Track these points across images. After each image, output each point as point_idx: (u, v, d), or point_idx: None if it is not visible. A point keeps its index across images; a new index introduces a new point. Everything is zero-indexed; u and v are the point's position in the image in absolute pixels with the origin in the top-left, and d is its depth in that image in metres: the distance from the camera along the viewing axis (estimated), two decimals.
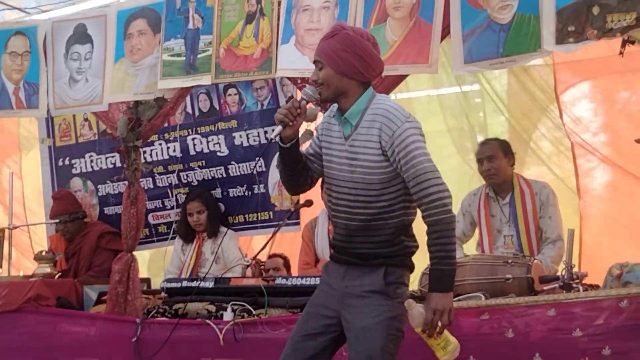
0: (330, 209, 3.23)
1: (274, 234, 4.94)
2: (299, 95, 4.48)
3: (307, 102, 3.10)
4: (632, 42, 4.01)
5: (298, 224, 5.67)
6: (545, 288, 3.82)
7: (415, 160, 2.95)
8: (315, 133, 3.31)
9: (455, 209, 5.11)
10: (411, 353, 3.34)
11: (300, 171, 3.20)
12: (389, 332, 3.03)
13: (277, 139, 3.10)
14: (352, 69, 3.03)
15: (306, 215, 5.63)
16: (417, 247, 3.15)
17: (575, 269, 3.83)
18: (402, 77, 4.28)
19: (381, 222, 3.07)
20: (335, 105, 3.15)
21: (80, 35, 5.03)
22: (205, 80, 4.63)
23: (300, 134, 3.22)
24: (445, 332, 2.96)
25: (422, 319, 2.93)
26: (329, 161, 3.17)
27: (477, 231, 5.02)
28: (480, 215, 4.93)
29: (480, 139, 5.53)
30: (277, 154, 3.19)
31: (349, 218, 3.11)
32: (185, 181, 6.03)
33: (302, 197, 5.54)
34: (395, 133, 2.97)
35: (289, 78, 4.73)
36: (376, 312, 3.01)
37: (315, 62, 3.10)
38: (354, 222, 3.10)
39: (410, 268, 3.16)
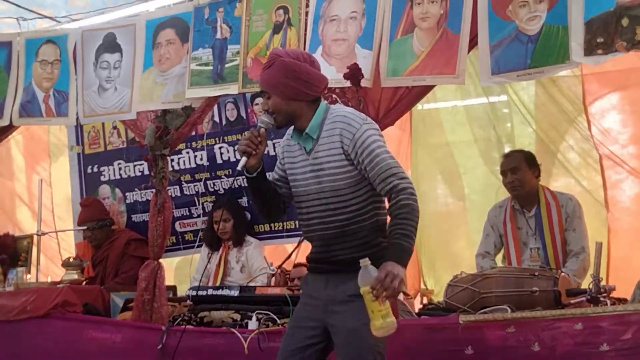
0: (304, 227, 3.29)
1: (300, 243, 4.93)
2: None
3: (265, 129, 3.19)
4: None
5: None
6: (572, 301, 3.78)
7: (378, 158, 3.06)
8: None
9: (482, 220, 5.15)
10: None
11: (271, 198, 3.31)
12: None
13: (244, 170, 3.19)
14: (296, 92, 3.14)
15: None
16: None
17: (602, 282, 3.79)
18: (429, 88, 4.28)
19: (355, 226, 3.14)
20: (292, 127, 3.26)
21: (110, 44, 5.08)
22: (233, 89, 4.65)
23: None
24: (389, 305, 2.90)
25: (372, 279, 2.88)
26: (295, 180, 3.26)
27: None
28: (506, 227, 4.90)
29: (507, 149, 5.50)
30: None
31: (324, 228, 3.18)
32: (212, 189, 6.05)
33: None
34: (355, 135, 3.09)
35: None
36: (363, 314, 3.01)
37: (262, 92, 3.24)
38: (329, 231, 3.17)
39: None
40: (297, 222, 5.76)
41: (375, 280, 2.87)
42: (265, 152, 5.66)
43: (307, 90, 3.15)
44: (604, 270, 4.88)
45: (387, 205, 3.16)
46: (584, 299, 3.72)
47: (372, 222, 3.16)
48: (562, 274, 3.95)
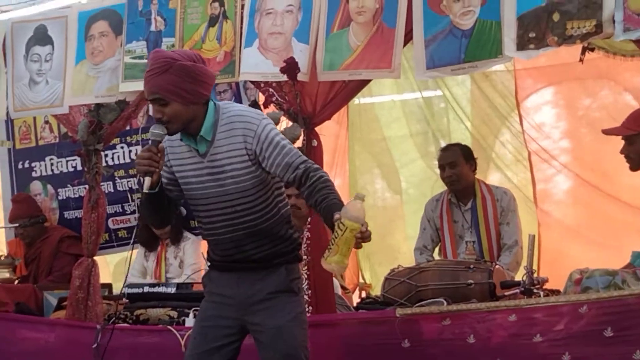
0: (207, 230, 3.20)
1: None
2: (262, 98, 4.50)
3: (161, 142, 3.02)
4: (592, 49, 4.07)
5: None
6: (506, 293, 3.84)
7: (285, 149, 3.02)
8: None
9: (419, 213, 5.19)
10: None
11: (167, 206, 3.19)
12: (302, 326, 3.13)
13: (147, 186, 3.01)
14: (198, 95, 3.02)
15: None
16: (299, 237, 3.26)
17: (535, 275, 3.85)
18: (365, 82, 4.28)
19: (266, 224, 3.13)
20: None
21: (41, 37, 4.95)
22: None
23: None
24: None
25: (364, 217, 2.80)
26: (187, 183, 3.14)
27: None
28: (442, 221, 4.96)
29: (443, 144, 5.55)
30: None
31: (232, 230, 3.12)
32: None
33: None
34: (257, 131, 3.02)
35: (252, 82, 4.71)
36: (287, 310, 3.07)
37: (153, 100, 3.02)
38: (238, 232, 3.13)
39: (300, 259, 3.29)
40: None
41: (364, 221, 2.78)
42: None
43: (204, 92, 3.05)
44: (535, 264, 4.97)
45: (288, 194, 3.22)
46: (517, 291, 3.78)
47: (279, 216, 3.17)
48: (497, 266, 4.02)
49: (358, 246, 2.84)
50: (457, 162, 4.90)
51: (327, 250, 2.85)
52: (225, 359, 3.15)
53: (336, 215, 2.81)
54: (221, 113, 3.08)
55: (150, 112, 5.87)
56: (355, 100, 6.07)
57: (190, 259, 5.52)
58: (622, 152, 4.06)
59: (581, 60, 3.99)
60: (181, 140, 3.12)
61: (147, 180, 2.99)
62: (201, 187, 3.12)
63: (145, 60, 4.59)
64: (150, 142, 3.02)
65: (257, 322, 3.11)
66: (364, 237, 2.79)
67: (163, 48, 4.56)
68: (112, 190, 6.05)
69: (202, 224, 3.22)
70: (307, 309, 3.91)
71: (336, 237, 2.82)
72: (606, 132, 4.19)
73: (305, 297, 3.95)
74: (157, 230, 3.41)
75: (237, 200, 3.08)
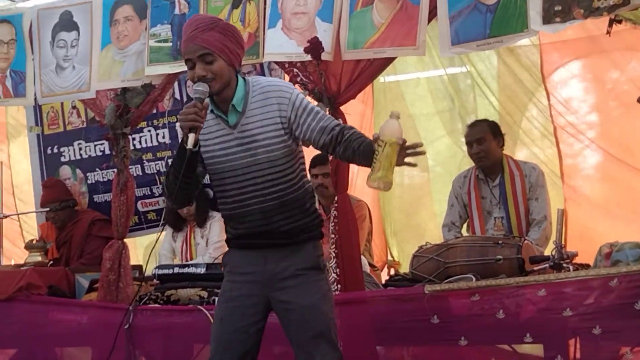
0: (234, 202, 3.16)
1: None
2: (286, 79, 4.50)
3: (205, 100, 3.01)
4: (619, 21, 4.01)
5: None
6: (535, 268, 3.83)
7: (319, 115, 3.09)
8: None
9: (446, 190, 5.18)
10: None
11: (196, 177, 3.15)
12: (331, 304, 3.16)
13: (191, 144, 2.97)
14: (237, 58, 3.10)
15: None
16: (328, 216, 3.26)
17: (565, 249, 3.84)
18: (389, 60, 4.27)
19: (293, 195, 3.15)
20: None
21: (66, 23, 4.98)
22: None
23: None
24: None
25: (401, 133, 2.84)
26: (213, 157, 3.13)
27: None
28: (470, 197, 4.93)
29: (469, 121, 5.52)
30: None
31: (263, 200, 3.12)
32: None
33: None
34: (291, 99, 3.08)
35: (276, 62, 4.71)
36: (316, 288, 3.10)
37: (201, 55, 3.01)
38: (268, 203, 3.12)
39: (323, 236, 3.28)
40: None
41: (401, 136, 2.82)
42: None
43: (242, 59, 3.15)
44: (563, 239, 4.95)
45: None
46: (547, 265, 3.77)
47: (304, 189, 3.21)
48: (525, 241, 3.99)
49: (400, 162, 2.85)
50: (485, 138, 4.86)
51: (371, 170, 2.86)
52: (254, 338, 3.14)
53: (374, 136, 2.85)
54: (251, 86, 3.13)
55: (177, 95, 5.96)
56: (380, 79, 6.06)
57: (215, 236, 5.54)
58: None
59: (608, 32, 3.93)
60: (212, 111, 3.13)
61: (191, 137, 2.96)
62: (229, 159, 3.12)
63: (170, 44, 4.64)
64: (194, 99, 3.01)
65: (286, 299, 3.10)
66: (403, 147, 2.82)
67: None
68: (141, 174, 6.09)
69: (227, 197, 3.17)
70: (335, 287, 3.95)
71: (377, 154, 2.83)
72: None
73: (334, 275, 3.99)
74: (182, 205, 3.42)
75: (268, 170, 3.10)
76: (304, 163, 3.26)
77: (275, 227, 3.14)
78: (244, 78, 3.16)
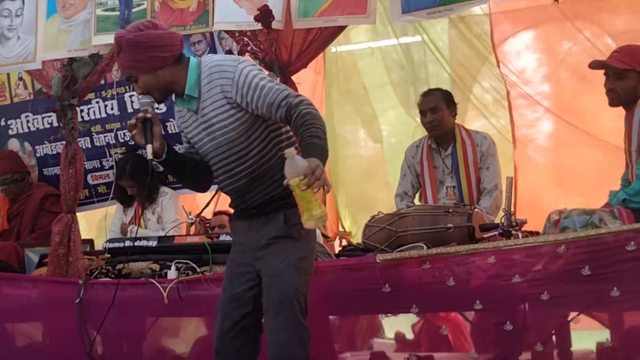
0: (218, 182, 3.28)
1: (217, 190, 4.88)
2: (237, 48, 4.45)
3: (148, 111, 3.10)
4: None
5: None
6: (485, 236, 3.86)
7: (265, 90, 3.01)
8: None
9: (398, 161, 5.19)
10: None
11: (194, 170, 3.28)
12: (301, 272, 3.11)
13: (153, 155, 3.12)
14: (156, 60, 3.08)
15: None
16: None
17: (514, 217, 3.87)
18: (340, 29, 4.25)
19: (263, 169, 3.15)
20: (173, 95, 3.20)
21: None
22: None
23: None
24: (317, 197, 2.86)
25: (303, 168, 2.78)
26: (195, 142, 3.24)
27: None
28: (423, 166, 4.95)
29: (422, 90, 5.52)
30: None
31: (234, 180, 3.18)
32: (123, 140, 5.92)
33: None
34: (234, 78, 3.04)
35: (226, 31, 4.65)
36: (284, 256, 3.09)
37: (128, 78, 3.19)
38: (240, 182, 3.18)
39: None
40: None
41: (308, 168, 2.77)
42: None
43: (163, 54, 3.09)
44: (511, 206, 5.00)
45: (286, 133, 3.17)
46: (496, 233, 3.80)
47: (276, 159, 3.13)
48: (476, 209, 4.02)
49: (317, 191, 2.81)
50: (439, 107, 4.87)
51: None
52: (250, 302, 3.20)
53: (284, 183, 2.84)
54: (202, 67, 3.12)
55: None
56: (332, 49, 6.02)
57: (170, 214, 5.49)
58: (606, 86, 4.01)
59: (556, 0, 3.95)
60: (176, 104, 3.24)
61: (148, 148, 3.10)
62: (202, 144, 3.20)
63: (118, 13, 4.56)
64: (140, 111, 3.13)
65: (261, 268, 3.16)
66: (308, 184, 2.77)
67: None
68: (90, 146, 6.00)
69: (216, 178, 3.29)
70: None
71: (295, 200, 2.85)
72: (596, 62, 4.11)
73: None
74: (201, 191, 3.51)
75: (229, 151, 3.13)
76: (278, 130, 3.16)
77: (249, 202, 3.19)
78: (197, 59, 3.16)
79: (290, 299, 3.05)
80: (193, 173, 3.30)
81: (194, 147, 3.29)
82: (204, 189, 3.48)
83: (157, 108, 3.24)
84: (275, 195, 3.14)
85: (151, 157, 3.12)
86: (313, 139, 2.92)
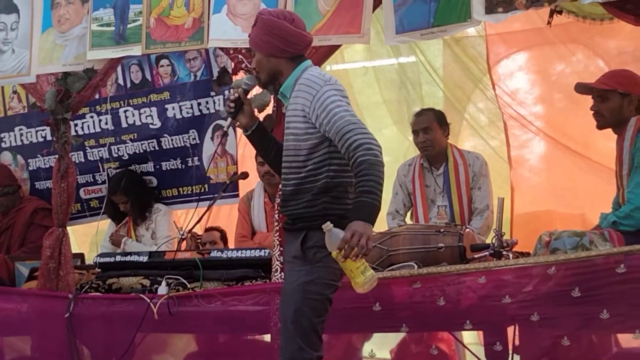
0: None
1: (209, 207, 4.90)
2: (232, 65, 4.46)
3: (247, 91, 3.39)
4: (560, 12, 4.06)
5: (237, 196, 5.61)
6: (476, 256, 3.86)
7: (336, 117, 3.11)
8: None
9: (391, 179, 5.20)
10: None
11: (278, 154, 3.40)
12: (305, 296, 3.16)
13: (215, 126, 3.45)
14: (275, 48, 3.27)
15: (244, 187, 5.59)
16: (344, 209, 3.20)
17: (506, 237, 3.88)
18: (334, 48, 4.27)
19: (309, 185, 3.24)
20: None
21: (6, 5, 4.87)
22: (136, 50, 4.53)
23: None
24: (364, 261, 3.01)
25: (338, 241, 2.97)
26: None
27: None
28: (415, 185, 4.96)
29: (416, 110, 5.54)
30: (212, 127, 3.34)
31: (285, 184, 3.36)
32: (117, 155, 5.93)
33: (239, 170, 5.52)
34: (315, 97, 3.18)
35: (221, 49, 4.66)
36: (294, 278, 3.20)
37: (249, 51, 3.49)
38: (287, 187, 3.31)
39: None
40: (207, 185, 5.72)
41: (342, 241, 2.94)
42: (172, 114, 5.71)
43: (285, 47, 3.27)
44: (507, 226, 5.00)
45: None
46: (487, 253, 3.81)
47: (322, 182, 3.22)
48: (467, 230, 4.03)
49: (357, 260, 2.97)
50: (431, 127, 4.89)
51: None
52: None
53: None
54: (302, 74, 3.29)
55: (120, 81, 5.89)
56: (327, 67, 6.04)
57: (163, 231, 5.50)
58: (592, 108, 4.06)
59: (549, 23, 3.99)
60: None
61: (228, 121, 3.46)
62: (284, 140, 3.37)
63: (113, 28, 4.57)
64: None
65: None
66: (345, 256, 2.94)
67: (130, 15, 4.52)
68: (83, 160, 6.00)
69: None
70: (279, 276, 3.92)
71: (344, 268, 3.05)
72: (580, 85, 4.17)
73: (277, 263, 3.96)
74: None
75: (291, 157, 3.27)
76: (335, 158, 3.21)
77: (286, 211, 3.31)
78: (306, 66, 3.32)
79: (290, 321, 3.16)
80: (275, 155, 3.43)
81: None
82: (269, 163, 3.67)
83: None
84: (305, 214, 3.23)
85: (226, 128, 3.62)
86: (363, 195, 3.01)
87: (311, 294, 3.15)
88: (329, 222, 3.02)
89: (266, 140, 3.47)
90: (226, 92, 5.53)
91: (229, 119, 3.43)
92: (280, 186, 3.49)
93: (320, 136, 3.20)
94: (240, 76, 4.37)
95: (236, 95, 3.39)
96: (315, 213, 3.18)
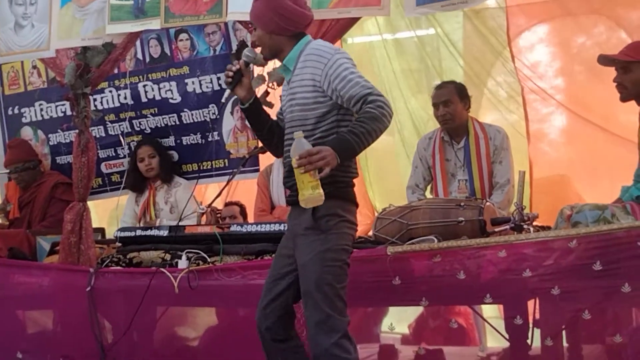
0: (284, 157, 3.45)
1: (229, 181, 4.89)
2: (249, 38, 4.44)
3: (247, 64, 3.42)
4: None
5: (257, 170, 5.61)
6: (496, 230, 3.84)
7: (351, 82, 3.17)
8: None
9: (412, 152, 5.18)
10: None
11: (271, 131, 3.48)
12: (325, 264, 3.21)
13: (235, 100, 3.42)
14: (276, 26, 3.31)
15: (264, 162, 5.59)
16: (350, 176, 3.32)
17: (526, 211, 3.86)
18: (354, 20, 4.24)
19: None
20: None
21: None
22: (155, 24, 4.53)
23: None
24: (319, 181, 3.04)
25: (302, 150, 3.03)
26: (283, 111, 3.46)
27: None
28: (435, 159, 4.92)
29: (436, 83, 5.50)
30: (232, 100, 3.37)
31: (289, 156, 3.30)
32: (138, 129, 5.93)
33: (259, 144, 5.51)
34: (327, 65, 3.22)
35: (240, 22, 4.64)
36: (310, 248, 3.23)
37: (250, 24, 3.48)
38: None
39: (345, 198, 3.31)
40: (226, 160, 5.72)
41: (306, 151, 3.01)
42: (192, 89, 5.71)
43: (287, 25, 3.31)
44: (527, 201, 4.97)
45: None
46: (508, 227, 3.78)
47: None
48: (488, 203, 4.00)
49: (314, 175, 3.02)
50: (452, 100, 4.84)
51: None
52: (287, 283, 3.36)
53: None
54: (307, 46, 3.32)
55: (139, 55, 5.88)
56: (348, 40, 6.01)
57: (183, 204, 5.48)
58: (615, 80, 4.00)
59: None
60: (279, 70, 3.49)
61: (226, 92, 3.45)
62: (285, 113, 3.41)
63: (132, 2, 4.56)
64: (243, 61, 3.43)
65: (296, 255, 3.32)
66: (299, 164, 3.00)
67: None
68: (104, 135, 6.02)
69: (285, 147, 3.43)
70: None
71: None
72: (602, 57, 4.11)
73: None
74: (273, 154, 3.68)
75: (297, 128, 3.26)
76: (341, 127, 3.27)
77: (293, 184, 3.26)
78: (309, 39, 3.37)
79: (313, 290, 3.19)
80: (268, 132, 3.49)
81: (282, 115, 3.48)
82: (274, 152, 3.63)
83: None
84: None
85: (223, 101, 3.55)
86: (348, 134, 3.10)
87: (330, 261, 3.21)
88: (301, 132, 3.12)
89: (261, 115, 3.50)
90: (127, 93, 5.69)
91: (228, 90, 3.45)
92: (283, 159, 3.48)
93: (330, 104, 3.25)
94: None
95: (238, 66, 3.41)
96: (325, 182, 3.14)
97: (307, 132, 3.22)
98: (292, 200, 3.31)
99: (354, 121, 3.16)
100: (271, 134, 3.50)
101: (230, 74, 3.40)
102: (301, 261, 3.26)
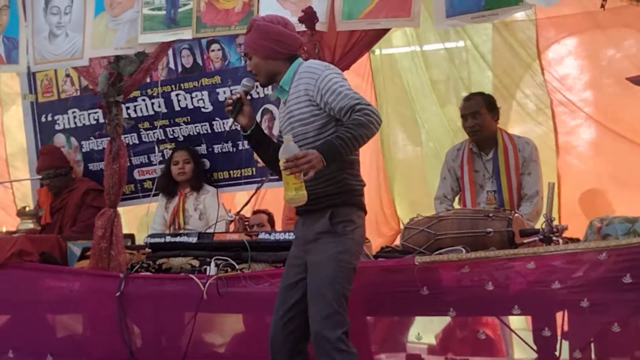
0: None
1: (257, 189, 4.94)
2: None
3: (246, 92, 3.56)
4: None
5: None
6: (525, 241, 3.83)
7: (340, 95, 3.30)
8: None
9: (440, 164, 5.18)
10: None
11: (274, 154, 3.46)
12: (339, 264, 3.33)
13: (239, 129, 3.59)
14: (272, 51, 3.47)
15: None
16: (362, 185, 3.46)
17: (555, 222, 3.84)
18: (384, 31, 4.27)
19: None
20: None
21: None
22: (186, 34, 4.59)
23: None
24: (303, 182, 3.16)
25: (288, 153, 3.16)
26: (282, 130, 3.59)
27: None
28: (463, 170, 4.92)
29: (465, 94, 5.50)
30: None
31: None
32: (171, 136, 6.00)
33: None
34: (318, 80, 3.37)
35: None
36: (325, 250, 3.34)
37: (245, 54, 3.59)
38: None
39: (358, 206, 3.44)
40: (254, 169, 5.76)
41: (293, 155, 3.14)
42: (223, 98, 5.75)
43: (281, 49, 3.46)
44: (555, 214, 4.95)
45: None
46: (536, 238, 3.77)
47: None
48: (516, 214, 4.00)
49: (299, 177, 3.14)
50: (480, 112, 4.85)
51: None
52: (300, 292, 3.43)
53: None
54: (300, 67, 3.47)
55: (171, 65, 5.95)
56: (376, 51, 6.04)
57: (214, 212, 5.52)
58: None
59: (602, 6, 3.91)
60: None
61: (230, 121, 3.56)
62: (285, 131, 3.51)
63: (164, 12, 4.63)
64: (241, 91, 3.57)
65: (307, 260, 3.43)
66: (285, 167, 3.13)
67: None
68: (138, 142, 6.08)
69: None
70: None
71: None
72: (633, 79, 4.11)
73: None
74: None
75: (301, 142, 3.38)
76: None
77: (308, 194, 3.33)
78: (302, 60, 3.51)
79: (326, 285, 3.29)
80: (272, 155, 3.52)
81: (282, 136, 3.58)
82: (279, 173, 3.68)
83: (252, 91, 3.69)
84: (326, 192, 3.37)
85: (228, 129, 3.72)
86: (337, 139, 3.21)
87: (344, 262, 3.34)
88: (290, 135, 3.29)
89: (264, 140, 3.64)
90: (159, 101, 5.74)
91: (231, 119, 3.57)
92: None
93: (325, 116, 3.38)
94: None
95: (237, 96, 3.54)
96: (340, 190, 3.38)
97: (309, 146, 3.33)
98: (303, 209, 3.43)
99: (342, 127, 3.26)
100: (275, 156, 3.51)
101: (230, 101, 3.54)
102: (314, 262, 3.37)
